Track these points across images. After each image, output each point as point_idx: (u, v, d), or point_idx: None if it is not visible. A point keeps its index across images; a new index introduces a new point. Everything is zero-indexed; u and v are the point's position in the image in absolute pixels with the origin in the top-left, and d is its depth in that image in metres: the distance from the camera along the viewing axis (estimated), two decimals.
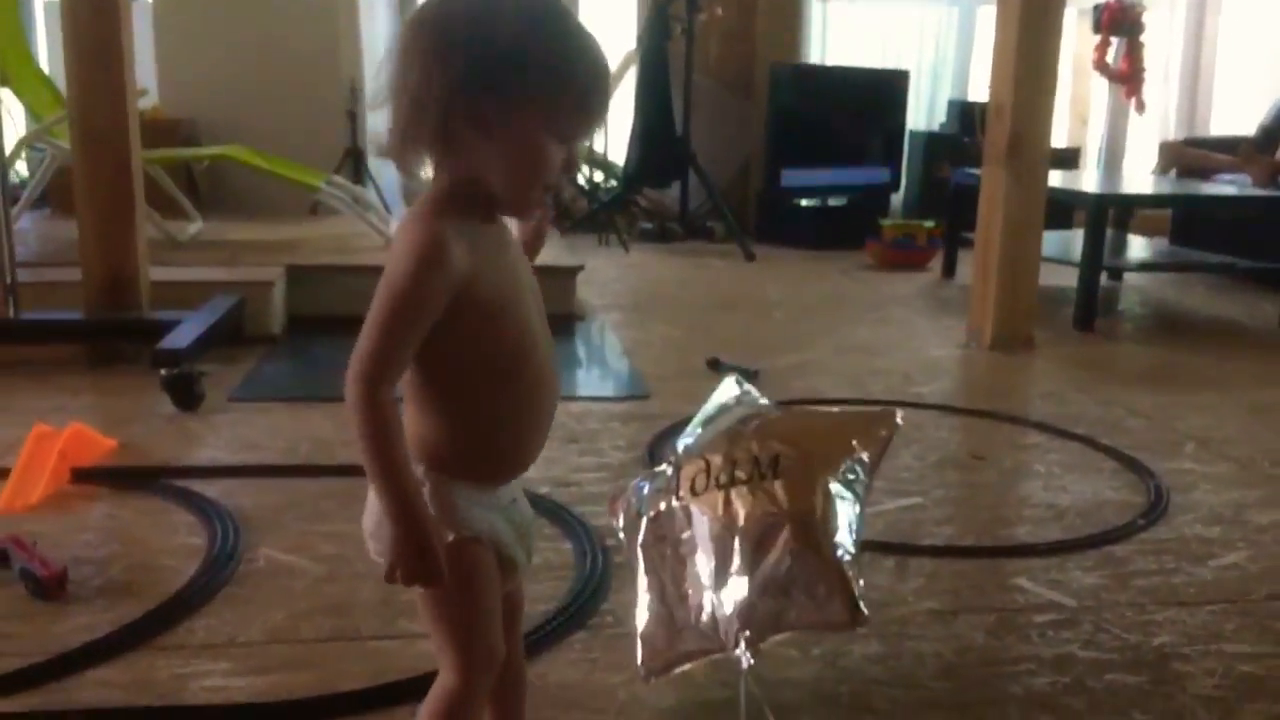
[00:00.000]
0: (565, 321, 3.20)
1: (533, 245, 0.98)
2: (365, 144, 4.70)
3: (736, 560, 1.13)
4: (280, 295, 3.03)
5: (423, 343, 0.83)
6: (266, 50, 4.58)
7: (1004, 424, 2.38)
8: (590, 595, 1.47)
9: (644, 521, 1.21)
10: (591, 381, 2.77)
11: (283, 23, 4.61)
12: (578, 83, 0.84)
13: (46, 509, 1.72)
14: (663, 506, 1.20)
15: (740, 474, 1.16)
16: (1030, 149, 2.99)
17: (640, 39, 5.16)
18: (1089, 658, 1.36)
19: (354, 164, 4.61)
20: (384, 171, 4.99)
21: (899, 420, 1.25)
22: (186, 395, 2.24)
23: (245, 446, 2.08)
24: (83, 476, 1.84)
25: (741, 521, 1.13)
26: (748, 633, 1.11)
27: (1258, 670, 1.35)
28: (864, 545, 1.65)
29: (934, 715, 1.23)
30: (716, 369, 2.72)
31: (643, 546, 1.21)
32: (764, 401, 1.30)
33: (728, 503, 1.15)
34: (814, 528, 1.13)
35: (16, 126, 3.87)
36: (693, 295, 3.86)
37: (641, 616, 1.18)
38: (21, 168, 4.44)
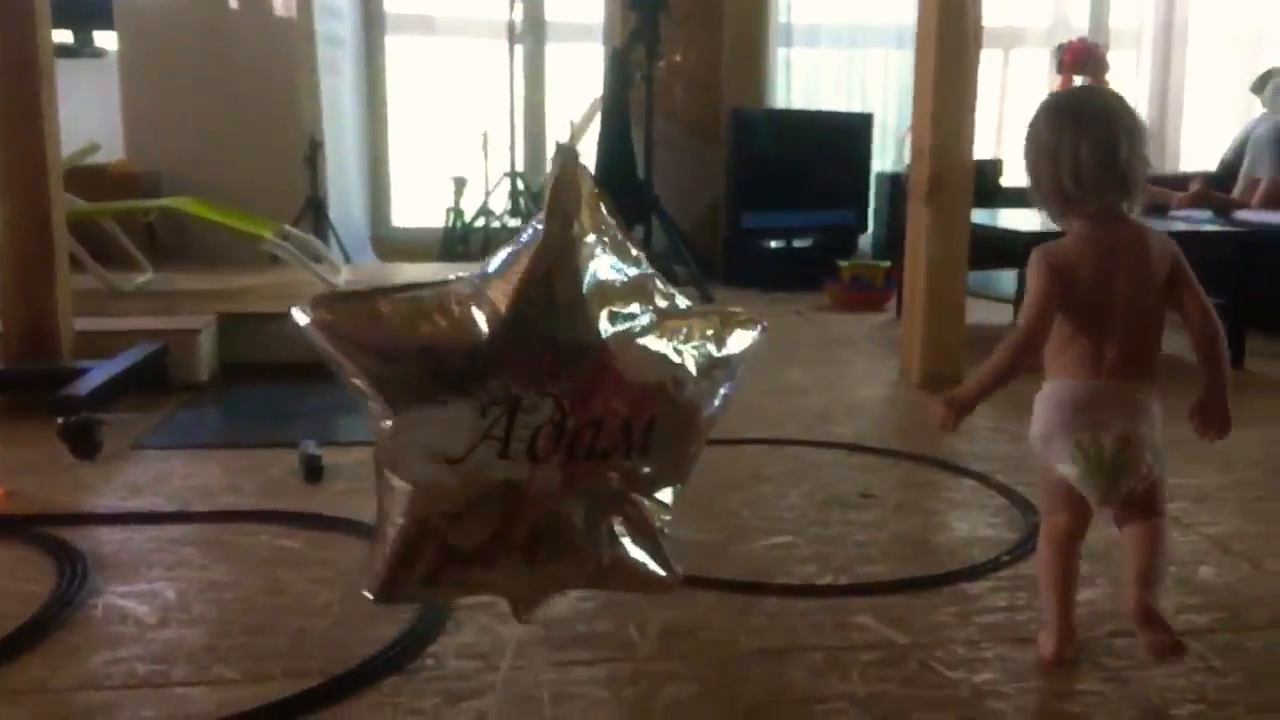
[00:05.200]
0: None
1: None
2: (326, 192, 4.78)
3: None
4: (209, 342, 3.05)
5: None
6: (230, 104, 4.69)
7: (906, 462, 2.37)
8: (416, 639, 1.47)
9: None
10: None
11: (245, 78, 4.72)
12: None
13: None
14: None
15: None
16: (951, 188, 3.01)
17: (604, 87, 5.22)
18: (902, 695, 1.35)
19: (314, 213, 4.67)
20: (349, 219, 5.07)
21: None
22: (83, 443, 2.26)
23: (132, 493, 2.09)
24: None
25: None
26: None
27: (1073, 708, 1.33)
28: (709, 583, 1.67)
29: None
30: None
31: None
32: None
33: None
34: None
35: None
36: None
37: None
38: None
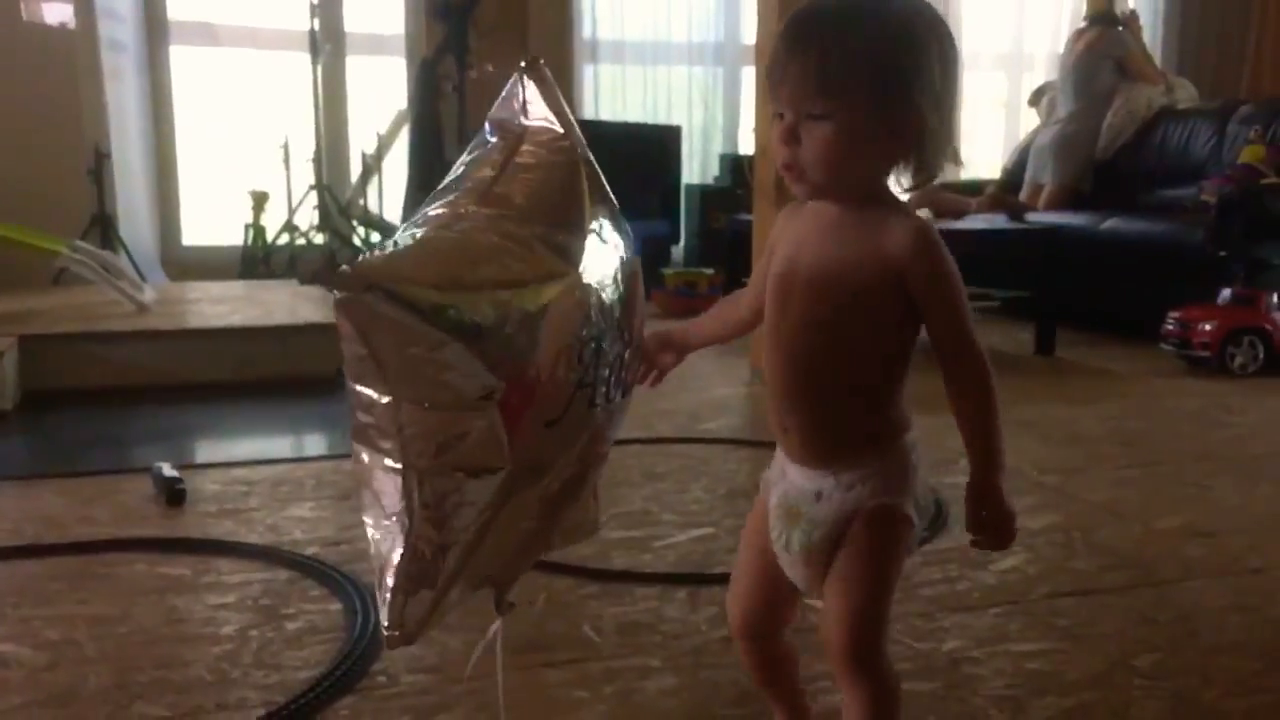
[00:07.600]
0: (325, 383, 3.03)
1: None
2: (115, 209, 4.40)
3: None
4: (11, 368, 2.73)
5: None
6: (3, 111, 4.24)
7: None
8: (359, 657, 1.34)
9: None
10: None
11: (18, 85, 4.28)
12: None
13: None
14: None
15: None
16: None
17: (410, 99, 5.08)
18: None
19: (101, 230, 4.29)
20: (137, 237, 4.69)
21: None
22: None
23: None
24: None
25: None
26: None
27: (1044, 666, 1.35)
28: (655, 578, 1.62)
29: None
30: None
31: None
32: None
33: None
34: None
35: None
36: None
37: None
38: None
